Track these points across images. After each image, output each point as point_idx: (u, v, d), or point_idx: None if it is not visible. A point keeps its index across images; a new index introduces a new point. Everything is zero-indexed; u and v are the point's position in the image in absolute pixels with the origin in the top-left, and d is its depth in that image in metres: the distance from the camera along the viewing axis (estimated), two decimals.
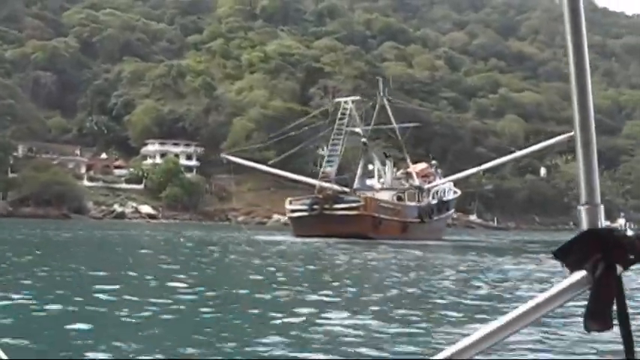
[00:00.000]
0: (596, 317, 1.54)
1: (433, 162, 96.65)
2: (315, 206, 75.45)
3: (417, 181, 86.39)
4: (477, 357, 1.53)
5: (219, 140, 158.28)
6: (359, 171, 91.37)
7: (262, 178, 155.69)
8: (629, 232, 1.58)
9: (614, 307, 1.55)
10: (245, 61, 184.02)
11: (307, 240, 65.28)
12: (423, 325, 17.98)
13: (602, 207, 1.58)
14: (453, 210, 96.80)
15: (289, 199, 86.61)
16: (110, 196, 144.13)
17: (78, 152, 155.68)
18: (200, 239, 70.67)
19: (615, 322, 1.55)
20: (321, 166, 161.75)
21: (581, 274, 1.59)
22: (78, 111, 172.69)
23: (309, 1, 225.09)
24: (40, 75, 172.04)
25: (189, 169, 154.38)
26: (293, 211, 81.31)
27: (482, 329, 1.56)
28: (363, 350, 14.35)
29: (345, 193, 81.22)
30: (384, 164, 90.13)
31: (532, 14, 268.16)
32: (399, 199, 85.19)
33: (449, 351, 1.55)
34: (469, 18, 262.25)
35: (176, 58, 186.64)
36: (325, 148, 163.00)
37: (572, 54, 1.63)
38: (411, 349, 14.61)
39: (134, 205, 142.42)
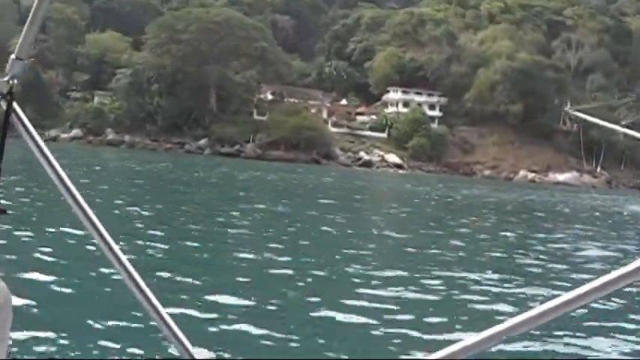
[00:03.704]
0: None
1: None
2: None
3: None
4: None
5: (462, 91, 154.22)
6: None
7: (506, 131, 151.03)
8: None
9: None
10: (484, 10, 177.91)
11: None
12: None
13: None
14: None
15: None
16: (355, 143, 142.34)
17: (320, 97, 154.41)
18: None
19: None
20: (565, 124, 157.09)
21: None
22: (315, 55, 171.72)
23: None
24: (278, 18, 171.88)
25: (432, 119, 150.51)
26: None
27: (569, 293, 1.62)
28: None
29: None
30: None
31: None
32: None
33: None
34: None
35: (408, 5, 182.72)
36: (569, 103, 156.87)
37: None
38: None
39: (380, 153, 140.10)
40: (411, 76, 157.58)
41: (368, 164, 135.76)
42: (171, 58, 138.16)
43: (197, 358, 1.89)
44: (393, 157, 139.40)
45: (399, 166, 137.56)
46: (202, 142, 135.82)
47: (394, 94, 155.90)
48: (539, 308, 1.62)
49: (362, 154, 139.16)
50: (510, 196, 79.87)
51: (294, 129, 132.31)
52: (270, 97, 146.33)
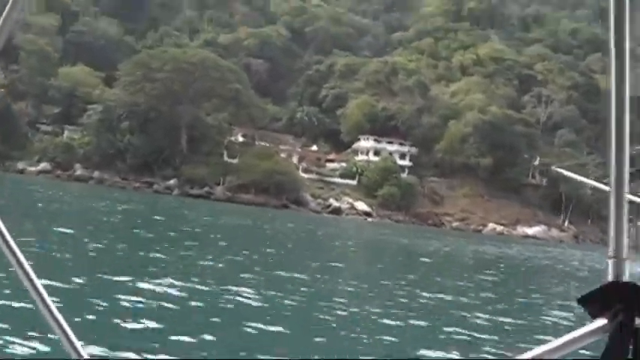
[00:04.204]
0: None
1: None
2: None
3: None
4: None
5: (432, 142, 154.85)
6: None
7: (476, 184, 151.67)
8: None
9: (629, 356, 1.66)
10: (456, 62, 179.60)
11: None
12: None
13: (627, 261, 1.68)
14: None
15: None
16: (325, 190, 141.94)
17: (291, 142, 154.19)
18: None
19: None
20: (534, 178, 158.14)
21: (602, 321, 1.68)
22: (288, 100, 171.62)
23: (515, 6, 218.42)
24: (252, 62, 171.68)
25: (402, 168, 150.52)
26: None
27: None
28: None
29: None
30: None
31: None
32: None
33: None
34: None
35: (380, 54, 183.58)
36: (539, 158, 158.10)
37: (614, 83, 1.60)
38: None
39: (350, 201, 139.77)
40: (383, 125, 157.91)
41: (337, 211, 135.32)
42: (145, 97, 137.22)
43: (86, 357, 1.88)
44: (362, 205, 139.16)
45: (368, 214, 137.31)
46: (172, 182, 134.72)
47: (365, 142, 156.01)
48: None
49: (331, 200, 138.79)
50: (498, 250, 79.68)
51: (265, 173, 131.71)
52: (241, 139, 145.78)
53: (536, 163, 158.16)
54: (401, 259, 55.29)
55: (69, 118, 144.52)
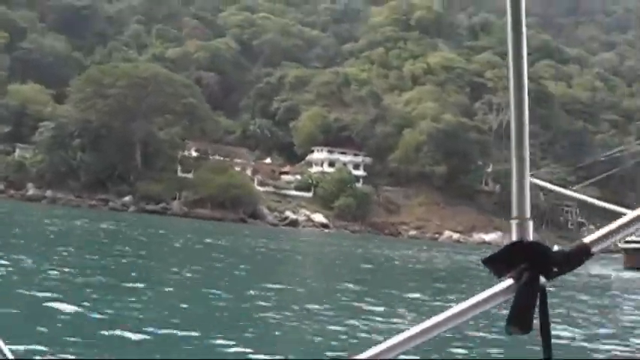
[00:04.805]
0: (517, 322, 1.67)
1: None
2: None
3: None
4: (400, 357, 1.63)
5: (387, 151, 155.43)
6: None
7: (431, 192, 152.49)
8: (556, 247, 1.73)
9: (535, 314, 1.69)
10: (407, 72, 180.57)
11: None
12: None
13: (531, 221, 1.71)
14: None
15: None
16: (282, 203, 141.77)
17: (245, 155, 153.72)
18: None
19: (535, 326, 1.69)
20: (487, 185, 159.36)
21: (508, 282, 1.70)
22: (240, 113, 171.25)
23: (462, 15, 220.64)
24: (203, 75, 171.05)
25: (356, 179, 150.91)
26: (628, 242, 77.94)
27: (408, 331, 1.65)
28: None
29: None
30: None
31: None
32: None
33: (372, 351, 1.62)
34: (617, 39, 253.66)
35: (331, 65, 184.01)
36: (492, 165, 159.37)
37: (512, 66, 1.68)
38: None
39: (306, 212, 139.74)
40: (336, 136, 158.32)
41: (294, 223, 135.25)
42: (97, 113, 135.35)
43: (11, 358, 1.82)
44: (319, 217, 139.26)
45: (324, 226, 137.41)
46: (127, 199, 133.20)
47: (319, 154, 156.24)
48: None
49: (288, 213, 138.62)
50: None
51: (221, 187, 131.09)
52: (194, 154, 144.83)
53: (489, 169, 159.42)
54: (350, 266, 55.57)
55: (20, 136, 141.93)
